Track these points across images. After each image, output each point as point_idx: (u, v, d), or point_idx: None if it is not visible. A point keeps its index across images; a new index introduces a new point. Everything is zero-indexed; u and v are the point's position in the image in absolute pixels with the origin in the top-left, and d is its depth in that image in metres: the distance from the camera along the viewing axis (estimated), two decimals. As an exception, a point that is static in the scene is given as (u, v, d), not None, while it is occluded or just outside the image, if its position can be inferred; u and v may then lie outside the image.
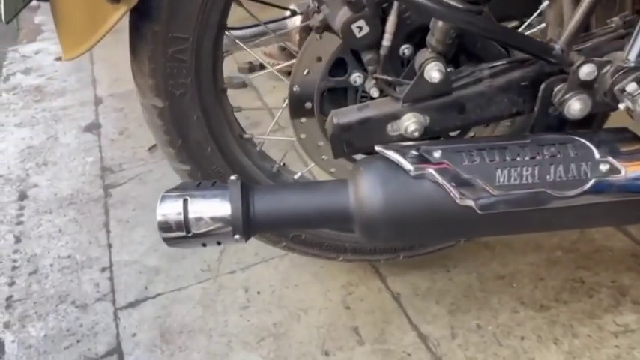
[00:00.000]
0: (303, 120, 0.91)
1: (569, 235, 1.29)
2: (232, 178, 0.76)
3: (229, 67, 2.16)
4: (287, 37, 1.57)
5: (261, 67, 1.95)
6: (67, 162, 1.76)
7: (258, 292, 1.22)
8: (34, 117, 2.05)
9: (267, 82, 2.01)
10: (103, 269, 1.32)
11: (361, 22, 0.75)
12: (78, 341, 1.14)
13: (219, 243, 0.76)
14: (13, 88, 2.30)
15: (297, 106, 0.90)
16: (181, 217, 0.72)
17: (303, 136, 0.93)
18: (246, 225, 0.74)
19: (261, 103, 1.94)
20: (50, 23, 3.12)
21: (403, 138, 0.82)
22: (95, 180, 1.65)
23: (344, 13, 0.75)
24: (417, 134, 0.81)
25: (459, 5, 0.72)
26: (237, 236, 0.74)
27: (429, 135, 0.83)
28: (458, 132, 0.94)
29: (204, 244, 0.76)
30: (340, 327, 1.12)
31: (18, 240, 1.43)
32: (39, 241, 1.42)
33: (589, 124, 0.87)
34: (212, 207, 0.73)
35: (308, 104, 0.89)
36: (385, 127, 0.82)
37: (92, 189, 1.61)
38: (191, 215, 0.72)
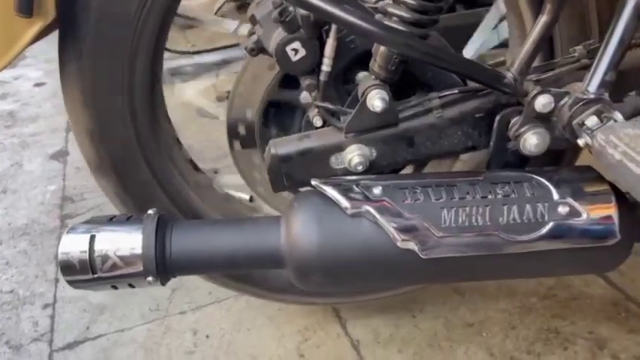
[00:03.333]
0: (237, 145, 0.83)
1: (546, 280, 1.20)
2: (150, 211, 0.68)
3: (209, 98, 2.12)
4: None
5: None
6: (28, 190, 1.68)
7: (207, 336, 1.12)
8: (2, 143, 1.99)
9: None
10: (45, 306, 1.22)
11: (296, 44, 0.69)
12: (4, 387, 1.05)
13: (131, 286, 0.68)
14: (-15, 114, 2.25)
15: (234, 131, 0.83)
16: (86, 256, 0.64)
17: (240, 162, 0.85)
18: (162, 266, 0.66)
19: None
20: (33, 49, 3.08)
21: (348, 172, 0.75)
22: (53, 209, 1.57)
23: (278, 34, 0.69)
24: (360, 168, 0.73)
25: (402, 28, 0.65)
26: (150, 278, 0.66)
27: (377, 169, 0.76)
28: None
29: (114, 287, 0.67)
30: (291, 377, 1.03)
31: (-39, 272, 1.35)
32: (-17, 274, 1.34)
33: (555, 161, 0.80)
34: (122, 244, 0.65)
35: (243, 129, 0.82)
36: (328, 159, 0.75)
37: (49, 219, 1.53)
38: (97, 254, 0.64)
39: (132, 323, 1.17)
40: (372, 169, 0.75)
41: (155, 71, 0.83)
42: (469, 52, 1.13)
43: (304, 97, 0.76)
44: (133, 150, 0.84)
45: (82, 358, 1.09)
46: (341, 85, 0.78)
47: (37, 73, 2.63)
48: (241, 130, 0.86)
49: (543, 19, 0.64)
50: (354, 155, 0.73)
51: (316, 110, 0.76)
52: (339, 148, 0.74)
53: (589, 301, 1.15)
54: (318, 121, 0.77)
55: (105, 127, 0.81)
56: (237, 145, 0.88)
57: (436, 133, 0.74)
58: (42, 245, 1.42)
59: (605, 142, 0.59)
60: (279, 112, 0.84)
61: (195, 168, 1.00)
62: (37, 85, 2.49)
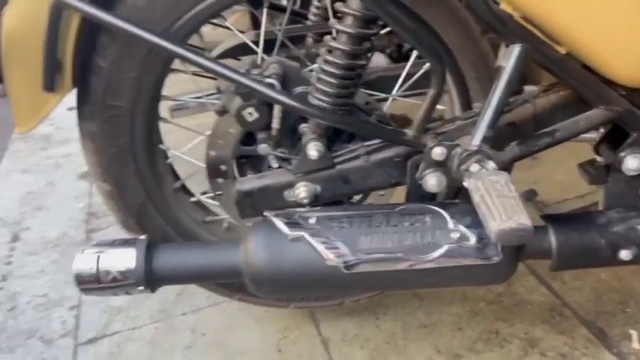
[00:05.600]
0: (219, 180, 1.04)
1: (496, 287, 1.38)
2: (141, 237, 0.90)
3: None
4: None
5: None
6: (59, 208, 1.94)
7: (203, 334, 1.34)
8: (38, 164, 2.26)
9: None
10: (72, 307, 1.47)
11: (251, 109, 0.90)
12: (38, 374, 1.28)
13: (128, 293, 0.90)
14: (25, 137, 2.52)
15: (213, 168, 1.04)
16: (94, 271, 0.87)
17: (220, 193, 1.06)
18: (149, 278, 0.88)
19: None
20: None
21: (297, 203, 0.95)
22: (80, 225, 1.82)
23: (237, 101, 0.90)
24: (307, 200, 0.94)
25: (324, 105, 0.86)
26: (140, 287, 0.87)
27: (322, 201, 0.96)
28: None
29: (115, 294, 0.89)
30: (269, 369, 1.24)
31: (4, 279, 1.60)
32: (22, 281, 1.59)
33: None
34: (120, 262, 0.87)
35: (223, 167, 1.03)
36: (282, 193, 0.95)
37: (76, 233, 1.78)
38: (102, 269, 0.86)
39: (142, 322, 1.39)
40: (317, 200, 0.95)
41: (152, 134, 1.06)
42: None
43: (262, 148, 0.97)
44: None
45: (100, 351, 1.32)
46: (293, 135, 0.98)
47: (69, 98, 2.91)
48: (220, 180, 1.07)
49: (431, 92, 0.83)
50: (301, 191, 0.94)
51: (271, 156, 0.97)
52: (290, 185, 0.95)
53: (530, 306, 1.32)
54: (275, 164, 0.98)
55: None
56: (218, 192, 1.09)
57: (365, 174, 0.94)
58: (70, 256, 1.65)
59: (473, 185, 0.78)
60: (248, 160, 1.05)
61: (202, 208, 1.21)
62: (70, 109, 2.75)
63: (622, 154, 0.93)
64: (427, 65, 1.05)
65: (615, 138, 0.96)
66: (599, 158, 1.04)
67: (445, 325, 1.29)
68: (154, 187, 1.10)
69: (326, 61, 0.84)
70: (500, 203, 0.73)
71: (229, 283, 1.22)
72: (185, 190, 1.21)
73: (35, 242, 1.75)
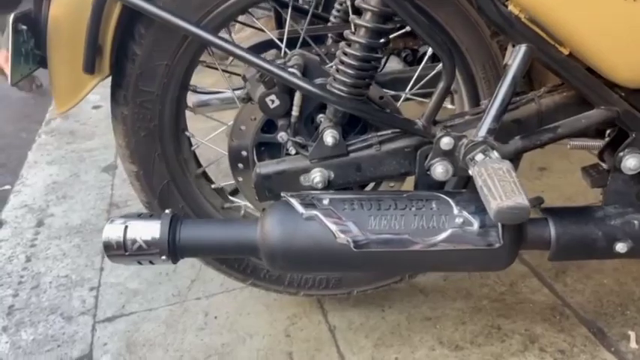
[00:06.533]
0: (240, 165, 1.11)
1: (499, 287, 1.43)
2: (166, 211, 0.97)
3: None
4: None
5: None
6: (83, 197, 2.02)
7: (215, 317, 1.40)
8: (64, 157, 2.35)
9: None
10: (92, 288, 1.54)
11: (273, 97, 0.97)
12: (58, 346, 1.35)
13: (152, 262, 0.96)
14: (52, 131, 2.64)
15: (235, 154, 1.11)
16: (121, 239, 0.93)
17: (240, 179, 1.13)
18: (172, 248, 0.94)
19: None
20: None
21: (312, 188, 1.02)
22: (102, 213, 1.90)
23: (260, 88, 0.97)
24: (320, 185, 1.00)
25: (342, 93, 0.93)
26: (163, 257, 0.94)
27: (335, 187, 1.02)
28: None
29: (139, 262, 0.96)
30: (277, 351, 1.29)
31: (28, 259, 1.68)
32: (45, 262, 1.66)
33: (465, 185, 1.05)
34: (146, 232, 0.94)
35: (244, 152, 1.09)
36: (298, 178, 1.02)
37: (98, 221, 1.86)
38: (128, 238, 0.93)
39: (157, 304, 1.46)
40: (331, 186, 1.02)
41: (179, 120, 1.13)
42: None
43: (281, 136, 1.04)
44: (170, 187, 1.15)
45: (118, 328, 1.39)
46: (310, 124, 1.05)
47: (95, 97, 3.01)
48: (241, 166, 1.13)
49: (441, 85, 0.90)
50: (316, 176, 1.00)
51: (290, 143, 1.04)
52: (306, 170, 1.01)
53: (531, 305, 1.37)
54: (292, 151, 1.05)
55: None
56: (239, 177, 1.15)
57: (377, 162, 1.00)
58: (92, 241, 1.75)
59: (477, 173, 0.84)
60: (267, 148, 1.12)
61: (221, 195, 1.28)
62: (95, 107, 2.87)
63: (621, 153, 0.98)
64: (438, 67, 1.13)
65: (618, 144, 1.01)
66: (602, 164, 1.09)
67: (449, 319, 1.34)
68: (178, 171, 1.18)
69: (345, 54, 0.91)
70: (501, 186, 0.79)
71: (243, 268, 1.28)
72: (206, 178, 1.28)
73: (59, 228, 1.83)
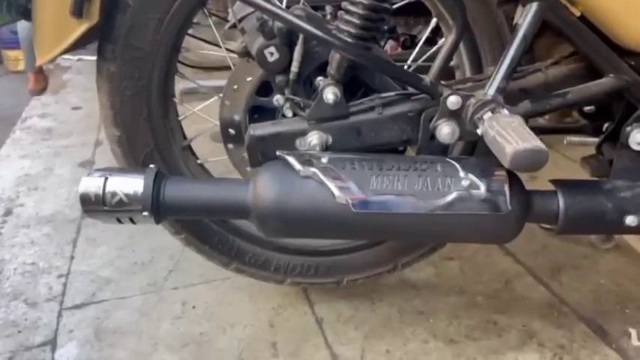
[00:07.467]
0: (232, 131, 1.05)
1: (494, 284, 1.37)
2: (151, 166, 0.89)
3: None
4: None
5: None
6: (56, 189, 1.92)
7: (194, 307, 1.31)
8: (38, 152, 2.25)
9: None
10: (60, 276, 1.43)
11: (272, 49, 0.92)
12: (19, 332, 1.23)
13: (132, 221, 0.88)
14: (27, 128, 2.54)
15: (226, 119, 1.04)
16: (100, 192, 0.85)
17: (230, 146, 1.06)
18: (155, 205, 0.87)
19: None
20: (74, 81, 3.42)
21: (308, 152, 0.95)
22: (76, 204, 1.79)
23: (259, 40, 0.92)
24: (318, 149, 0.94)
25: (350, 40, 0.88)
26: (145, 213, 0.86)
27: (333, 153, 0.96)
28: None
29: (118, 220, 0.88)
30: (261, 341, 1.20)
31: (-8, 247, 1.57)
32: (10, 250, 1.55)
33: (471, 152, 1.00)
34: (127, 186, 0.86)
35: (236, 117, 1.03)
36: (294, 141, 0.96)
37: (71, 212, 1.75)
38: (108, 190, 0.85)
39: (131, 293, 1.36)
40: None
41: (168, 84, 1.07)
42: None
43: (277, 99, 0.98)
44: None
45: (87, 316, 1.28)
46: (309, 87, 1.00)
47: (75, 99, 2.94)
48: (232, 131, 1.07)
49: (450, 37, 0.86)
50: (314, 138, 0.94)
51: (288, 103, 0.98)
52: (303, 132, 0.95)
53: (528, 302, 1.31)
54: (288, 112, 0.99)
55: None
56: (229, 144, 1.09)
57: (378, 126, 0.95)
58: (63, 231, 1.64)
59: (488, 125, 0.79)
60: (260, 114, 1.06)
61: (206, 172, 1.21)
62: (75, 108, 2.79)
63: (629, 128, 0.95)
64: (432, 50, 1.10)
65: (616, 138, 0.98)
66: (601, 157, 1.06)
67: (442, 312, 1.27)
68: (164, 139, 1.10)
69: (352, 3, 0.86)
70: (516, 134, 0.74)
71: (227, 249, 1.20)
72: (192, 152, 1.21)
73: (28, 217, 1.72)
